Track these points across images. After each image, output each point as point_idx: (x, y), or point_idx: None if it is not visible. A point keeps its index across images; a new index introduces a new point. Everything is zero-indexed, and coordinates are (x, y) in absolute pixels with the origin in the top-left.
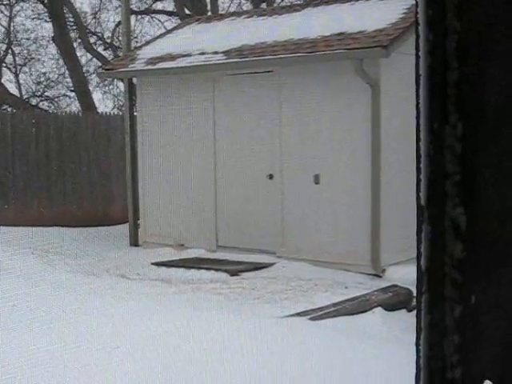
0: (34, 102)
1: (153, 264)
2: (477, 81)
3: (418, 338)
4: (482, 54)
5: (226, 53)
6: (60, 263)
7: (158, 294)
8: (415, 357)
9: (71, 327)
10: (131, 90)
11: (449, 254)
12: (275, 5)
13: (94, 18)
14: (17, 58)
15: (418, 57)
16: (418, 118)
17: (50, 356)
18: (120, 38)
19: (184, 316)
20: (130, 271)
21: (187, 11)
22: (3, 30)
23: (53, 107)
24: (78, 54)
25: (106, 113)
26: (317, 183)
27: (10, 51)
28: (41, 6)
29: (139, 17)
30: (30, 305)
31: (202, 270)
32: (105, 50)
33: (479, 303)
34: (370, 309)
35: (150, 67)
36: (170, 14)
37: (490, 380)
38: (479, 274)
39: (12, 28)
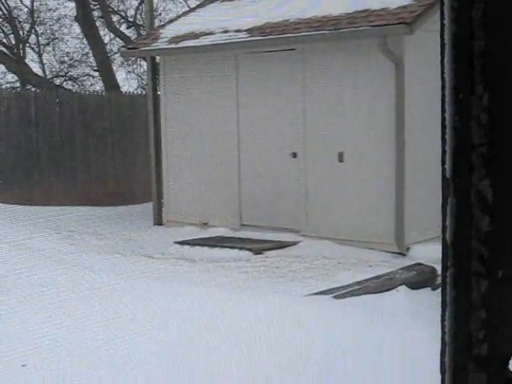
0: (57, 81)
1: (176, 243)
2: (503, 50)
3: (443, 314)
4: (509, 23)
5: (249, 31)
6: (84, 243)
7: (181, 273)
8: (440, 333)
9: (98, 306)
10: (154, 69)
11: (475, 228)
12: None
13: None
14: (40, 38)
15: (442, 25)
16: (443, 88)
17: (82, 335)
18: (143, 17)
19: (208, 294)
20: (154, 250)
21: None
22: (26, 9)
23: (77, 87)
24: (101, 33)
25: (129, 92)
26: (341, 161)
27: (33, 31)
28: None
29: None
30: (57, 285)
31: (226, 249)
32: (127, 28)
33: (506, 277)
34: (394, 287)
35: (173, 46)
36: None
37: None
38: (506, 248)
39: (35, 8)
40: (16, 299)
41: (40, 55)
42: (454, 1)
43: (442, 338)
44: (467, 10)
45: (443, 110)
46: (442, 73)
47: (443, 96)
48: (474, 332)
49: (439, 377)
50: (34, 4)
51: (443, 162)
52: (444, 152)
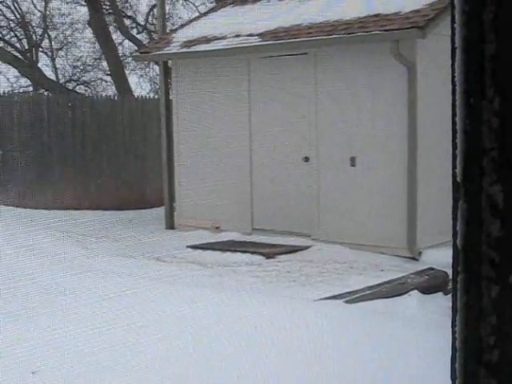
0: (70, 86)
1: (188, 247)
2: None
3: (453, 320)
4: None
5: (261, 35)
6: (96, 246)
7: (193, 277)
8: (451, 339)
9: (111, 309)
10: (166, 73)
11: (486, 233)
12: None
13: (128, 1)
14: (53, 43)
15: (453, 29)
16: (453, 92)
17: (96, 338)
18: (154, 22)
19: (219, 298)
20: (166, 254)
21: None
22: (39, 14)
23: (89, 91)
24: (114, 37)
25: (142, 96)
26: (353, 166)
27: (46, 35)
28: None
29: (174, 0)
30: (70, 288)
31: (238, 253)
32: (138, 33)
33: None
34: (406, 292)
35: (185, 50)
36: None
37: None
38: None
39: (48, 12)
40: (31, 303)
41: (53, 60)
42: (465, 4)
43: (453, 344)
44: (478, 13)
45: (454, 114)
46: (453, 76)
47: (454, 100)
48: (485, 338)
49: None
50: (47, 9)
51: (454, 166)
52: (455, 156)
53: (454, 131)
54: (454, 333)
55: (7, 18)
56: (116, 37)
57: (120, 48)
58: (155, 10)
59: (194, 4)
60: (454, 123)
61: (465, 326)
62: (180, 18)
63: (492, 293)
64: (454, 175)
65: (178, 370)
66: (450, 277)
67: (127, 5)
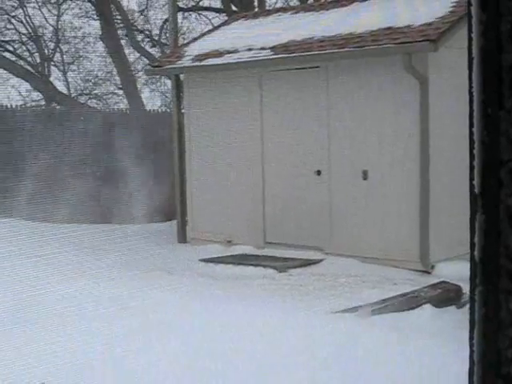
0: (82, 99)
1: (201, 260)
2: None
3: (471, 332)
4: None
5: (273, 48)
6: (108, 259)
7: (205, 290)
8: (468, 351)
9: (122, 322)
10: (178, 87)
11: (504, 244)
12: (322, 0)
13: (141, 15)
14: (65, 56)
15: (470, 39)
16: (471, 103)
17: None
18: (167, 36)
19: (232, 312)
20: (178, 267)
21: (234, 8)
22: (51, 28)
23: (101, 105)
24: (126, 51)
25: (153, 110)
26: (365, 179)
27: (58, 49)
28: (88, 4)
29: (186, 14)
30: (81, 300)
31: (250, 267)
32: (152, 47)
33: None
34: (419, 305)
35: (196, 64)
36: (217, 10)
37: None
38: None
39: (60, 26)
40: (46, 315)
41: (65, 73)
42: (482, 14)
43: (471, 357)
44: (496, 23)
45: (471, 125)
46: (470, 87)
47: (471, 110)
48: (503, 350)
49: None
50: (59, 23)
51: (471, 178)
52: (472, 167)
53: (472, 142)
54: (471, 345)
55: (19, 32)
56: (128, 51)
57: (132, 61)
58: (168, 24)
59: (207, 17)
60: (471, 134)
61: (483, 338)
62: (189, 30)
63: (510, 305)
64: (471, 187)
65: None
66: (463, 290)
67: (140, 18)
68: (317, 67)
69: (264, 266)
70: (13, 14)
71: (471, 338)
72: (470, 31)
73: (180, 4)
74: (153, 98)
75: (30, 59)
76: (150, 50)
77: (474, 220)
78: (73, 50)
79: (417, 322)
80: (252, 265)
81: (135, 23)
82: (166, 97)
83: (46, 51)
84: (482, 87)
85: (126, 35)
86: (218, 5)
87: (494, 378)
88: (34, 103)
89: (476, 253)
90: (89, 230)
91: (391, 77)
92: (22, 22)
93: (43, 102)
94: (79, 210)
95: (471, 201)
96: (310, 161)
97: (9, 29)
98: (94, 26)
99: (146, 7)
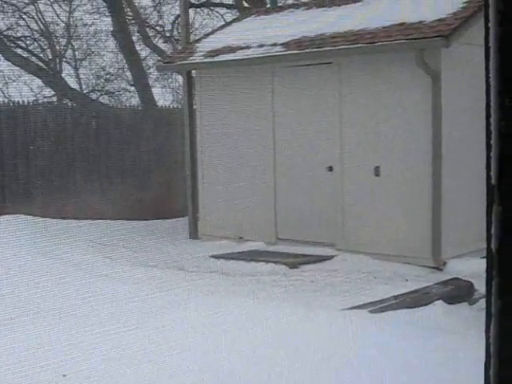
0: (94, 96)
1: (212, 256)
2: None
3: (487, 325)
4: None
5: (285, 44)
6: (119, 256)
7: (216, 286)
8: (483, 347)
9: (135, 319)
10: (190, 83)
11: None
12: None
13: (155, 9)
14: (76, 53)
15: (487, 28)
16: (487, 93)
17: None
18: (179, 32)
19: (244, 308)
20: (189, 264)
21: (246, 4)
22: (63, 24)
23: (113, 101)
24: (138, 47)
25: (165, 106)
26: (377, 175)
27: (69, 46)
28: (99, 0)
29: (198, 9)
30: (91, 297)
31: (262, 263)
32: (164, 43)
33: None
34: (431, 302)
35: (208, 60)
36: (228, 6)
37: None
38: None
39: (71, 22)
40: (58, 310)
41: (76, 70)
42: (500, 3)
43: (487, 350)
44: None
45: (488, 116)
46: (487, 78)
47: (488, 101)
48: None
49: None
50: (71, 19)
51: (488, 169)
52: (489, 158)
53: (489, 133)
54: (487, 338)
55: (31, 29)
56: (140, 47)
57: (143, 57)
58: (180, 20)
59: (219, 13)
60: (488, 124)
61: (499, 331)
62: (201, 25)
63: None
64: (488, 177)
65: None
66: (475, 287)
67: (152, 14)
68: (329, 63)
69: (275, 262)
70: (24, 10)
71: (487, 331)
72: (486, 20)
73: (192, 0)
74: (164, 94)
75: (41, 55)
76: (161, 46)
77: (490, 211)
78: (84, 46)
79: (428, 319)
80: (264, 261)
81: (147, 19)
82: (178, 93)
83: (57, 47)
84: (498, 77)
85: (138, 31)
86: (230, 1)
87: (510, 370)
88: (45, 99)
89: (492, 244)
90: (98, 226)
91: (404, 72)
92: (33, 18)
93: (55, 99)
94: (91, 205)
95: (488, 192)
96: (321, 157)
97: (21, 25)
98: (106, 22)
99: (158, 3)
